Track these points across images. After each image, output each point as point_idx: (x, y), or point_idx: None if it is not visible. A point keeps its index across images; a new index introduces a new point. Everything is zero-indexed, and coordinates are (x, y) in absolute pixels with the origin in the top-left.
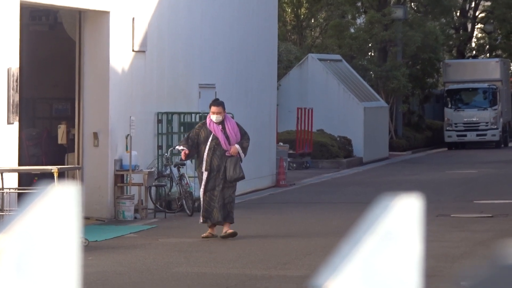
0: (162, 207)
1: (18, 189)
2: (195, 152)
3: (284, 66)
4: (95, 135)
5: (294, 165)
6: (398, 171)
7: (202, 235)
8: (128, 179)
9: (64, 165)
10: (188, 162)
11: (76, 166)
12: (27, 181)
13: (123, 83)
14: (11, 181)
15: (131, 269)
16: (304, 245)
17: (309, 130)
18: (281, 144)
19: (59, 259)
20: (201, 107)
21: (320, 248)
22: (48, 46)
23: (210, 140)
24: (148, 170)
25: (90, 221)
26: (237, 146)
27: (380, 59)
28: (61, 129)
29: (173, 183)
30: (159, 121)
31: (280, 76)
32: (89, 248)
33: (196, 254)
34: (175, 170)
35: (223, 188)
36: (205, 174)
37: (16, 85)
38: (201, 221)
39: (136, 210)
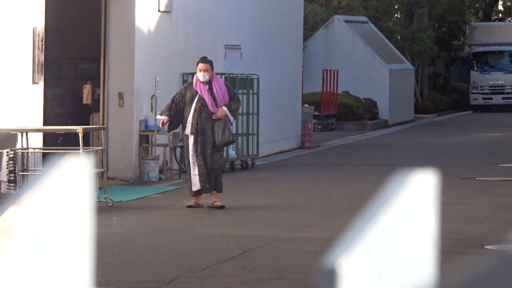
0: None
1: (43, 149)
2: (180, 118)
3: (310, 27)
4: (120, 95)
5: (319, 126)
6: (423, 134)
7: (186, 204)
8: (153, 139)
9: (89, 125)
10: None
11: (101, 126)
12: (51, 141)
13: (149, 44)
14: (36, 141)
15: (155, 230)
16: (328, 207)
17: (335, 92)
18: (307, 105)
19: (73, 232)
20: (226, 67)
21: (344, 211)
22: (73, 6)
23: (195, 101)
24: (173, 131)
25: (115, 182)
26: (224, 108)
27: (406, 21)
28: (86, 89)
29: None
30: (184, 82)
31: (306, 37)
32: (113, 208)
33: (220, 215)
34: None
35: (210, 153)
36: (191, 138)
37: (42, 45)
38: (196, 189)
39: (160, 171)
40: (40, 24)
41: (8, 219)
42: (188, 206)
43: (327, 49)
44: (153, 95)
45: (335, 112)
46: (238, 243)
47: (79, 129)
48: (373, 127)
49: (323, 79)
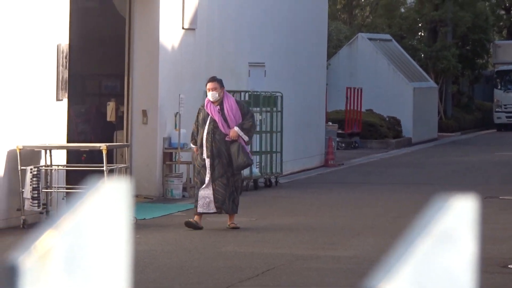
0: None
1: (67, 166)
2: None
3: (334, 45)
4: (144, 112)
5: (343, 144)
6: (446, 152)
7: (186, 220)
8: (177, 157)
9: (112, 142)
10: None
11: (125, 143)
12: (75, 158)
13: (173, 61)
14: (60, 158)
15: (178, 247)
16: (351, 226)
17: (358, 109)
18: (330, 123)
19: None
20: (250, 85)
21: (368, 229)
22: (98, 23)
23: (208, 122)
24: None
25: (139, 199)
26: (236, 128)
27: (430, 39)
28: (110, 106)
29: None
30: None
31: (329, 55)
32: (137, 226)
33: (243, 233)
34: None
35: (232, 175)
36: (207, 161)
37: (66, 62)
38: (201, 210)
39: (184, 188)
40: (64, 40)
41: (46, 243)
42: (187, 224)
43: (351, 67)
44: (177, 113)
45: (358, 130)
46: (262, 261)
47: (103, 146)
48: (397, 145)
49: (347, 97)
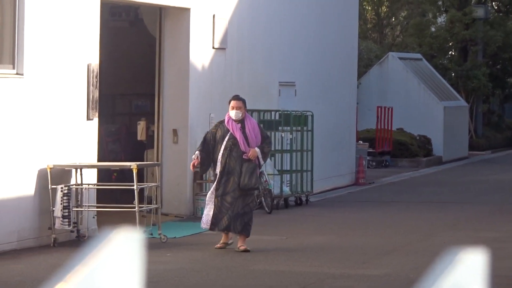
0: None
1: (97, 185)
2: (210, 160)
3: (365, 64)
4: (175, 131)
5: (374, 163)
6: (477, 171)
7: (215, 246)
8: (207, 176)
9: (143, 161)
10: (268, 160)
11: (155, 162)
12: (106, 177)
13: (203, 80)
14: (90, 176)
15: (208, 266)
16: (382, 244)
17: (389, 128)
18: (361, 142)
19: None
20: (281, 104)
21: (399, 248)
22: (128, 42)
23: (226, 139)
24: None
25: (169, 218)
26: (257, 149)
27: (460, 58)
28: (141, 126)
29: None
30: None
31: (360, 74)
32: (167, 244)
33: (273, 252)
34: None
35: (240, 196)
36: (219, 177)
37: (96, 81)
38: (204, 227)
39: None
40: (94, 60)
41: None
42: (218, 248)
43: (381, 86)
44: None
45: (389, 149)
46: (292, 280)
47: (133, 165)
48: (427, 164)
49: (378, 116)
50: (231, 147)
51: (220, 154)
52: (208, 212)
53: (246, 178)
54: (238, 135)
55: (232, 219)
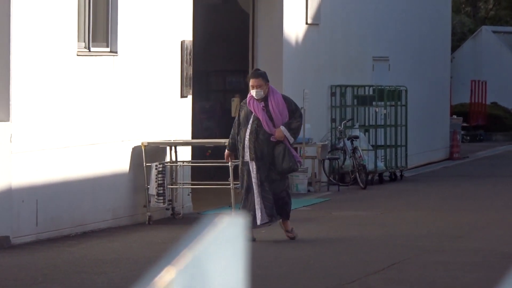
0: (335, 180)
1: (192, 162)
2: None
3: (458, 38)
4: None
5: (468, 137)
6: None
7: (290, 236)
8: (302, 152)
9: None
10: (362, 134)
11: None
12: (200, 154)
13: (296, 56)
14: (185, 154)
15: (304, 242)
16: (477, 219)
17: (483, 102)
18: (455, 116)
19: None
20: (374, 79)
21: (493, 222)
22: (221, 19)
23: (251, 121)
24: (322, 143)
25: None
26: (282, 128)
27: None
28: (235, 102)
29: (347, 156)
30: (333, 94)
31: (453, 48)
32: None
33: (369, 227)
34: (348, 143)
35: (274, 180)
36: (252, 164)
37: (190, 58)
38: (262, 222)
39: (309, 183)
40: (188, 37)
41: (165, 279)
42: (293, 238)
43: (475, 60)
44: (302, 108)
45: (483, 123)
46: (387, 255)
47: (227, 142)
48: None
49: (471, 90)
50: (256, 130)
51: (247, 139)
52: (258, 205)
53: (279, 163)
54: (261, 116)
55: (273, 206)
